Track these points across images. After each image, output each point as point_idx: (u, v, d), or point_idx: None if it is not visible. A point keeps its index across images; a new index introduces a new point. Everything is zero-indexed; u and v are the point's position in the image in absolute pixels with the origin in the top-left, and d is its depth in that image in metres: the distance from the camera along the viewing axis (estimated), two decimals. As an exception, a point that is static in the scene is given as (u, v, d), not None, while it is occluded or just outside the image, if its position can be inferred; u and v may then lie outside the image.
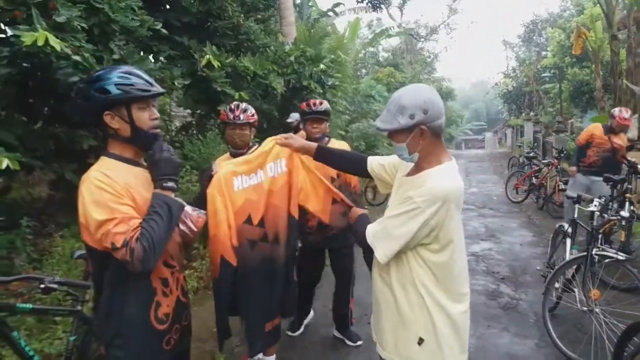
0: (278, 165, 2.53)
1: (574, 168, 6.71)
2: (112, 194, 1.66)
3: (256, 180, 2.47)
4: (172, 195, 1.80)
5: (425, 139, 1.84)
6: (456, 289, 1.92)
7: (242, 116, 3.16)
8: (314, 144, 2.48)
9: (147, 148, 1.90)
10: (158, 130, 1.90)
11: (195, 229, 2.12)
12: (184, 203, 1.86)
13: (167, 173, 1.80)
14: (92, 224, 1.64)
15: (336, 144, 3.60)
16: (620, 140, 6.27)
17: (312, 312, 4.39)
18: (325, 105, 3.60)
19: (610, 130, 6.28)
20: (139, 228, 1.67)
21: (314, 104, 3.55)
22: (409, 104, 1.80)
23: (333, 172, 3.32)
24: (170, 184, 1.79)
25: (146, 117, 1.81)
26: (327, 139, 3.66)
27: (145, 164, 1.93)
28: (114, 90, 1.71)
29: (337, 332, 4.08)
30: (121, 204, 1.67)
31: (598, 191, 5.71)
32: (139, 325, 1.81)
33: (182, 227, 2.04)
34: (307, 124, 3.58)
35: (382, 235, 1.90)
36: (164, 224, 1.70)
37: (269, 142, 2.50)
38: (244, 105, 3.24)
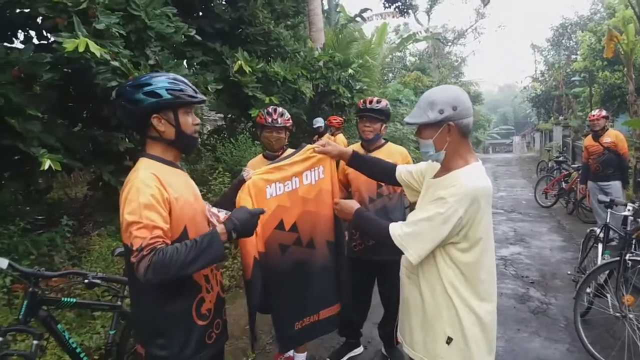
0: (315, 173, 2.54)
1: (583, 186, 7.09)
2: (148, 199, 1.70)
3: (291, 187, 2.49)
4: (224, 239, 1.79)
5: (452, 135, 1.88)
6: (484, 289, 1.93)
7: (279, 120, 3.24)
8: (350, 150, 2.51)
9: (187, 151, 2.05)
10: (197, 135, 2.00)
11: None
12: (218, 229, 1.82)
13: (241, 228, 1.83)
14: (123, 222, 1.70)
15: (395, 150, 3.41)
16: (609, 138, 6.53)
17: (361, 348, 3.84)
18: (383, 104, 3.37)
19: (596, 136, 6.66)
20: (160, 239, 1.68)
21: (370, 102, 3.34)
22: (438, 99, 1.87)
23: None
24: (234, 236, 1.82)
25: (190, 122, 1.91)
26: (382, 141, 3.45)
27: (179, 166, 2.01)
28: (165, 94, 1.80)
29: (384, 350, 3.78)
30: (152, 211, 1.70)
31: (610, 195, 5.91)
32: (183, 323, 1.86)
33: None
34: (359, 122, 3.40)
35: (415, 236, 1.89)
36: (192, 255, 1.68)
37: (306, 150, 2.53)
38: (281, 109, 3.31)
